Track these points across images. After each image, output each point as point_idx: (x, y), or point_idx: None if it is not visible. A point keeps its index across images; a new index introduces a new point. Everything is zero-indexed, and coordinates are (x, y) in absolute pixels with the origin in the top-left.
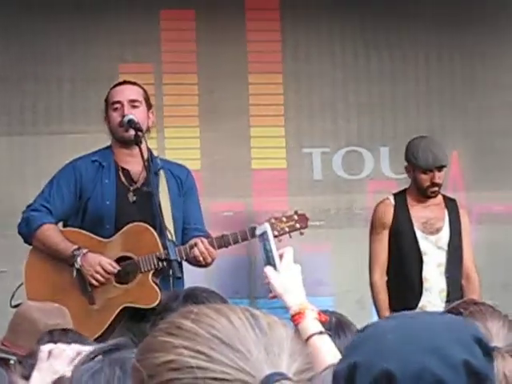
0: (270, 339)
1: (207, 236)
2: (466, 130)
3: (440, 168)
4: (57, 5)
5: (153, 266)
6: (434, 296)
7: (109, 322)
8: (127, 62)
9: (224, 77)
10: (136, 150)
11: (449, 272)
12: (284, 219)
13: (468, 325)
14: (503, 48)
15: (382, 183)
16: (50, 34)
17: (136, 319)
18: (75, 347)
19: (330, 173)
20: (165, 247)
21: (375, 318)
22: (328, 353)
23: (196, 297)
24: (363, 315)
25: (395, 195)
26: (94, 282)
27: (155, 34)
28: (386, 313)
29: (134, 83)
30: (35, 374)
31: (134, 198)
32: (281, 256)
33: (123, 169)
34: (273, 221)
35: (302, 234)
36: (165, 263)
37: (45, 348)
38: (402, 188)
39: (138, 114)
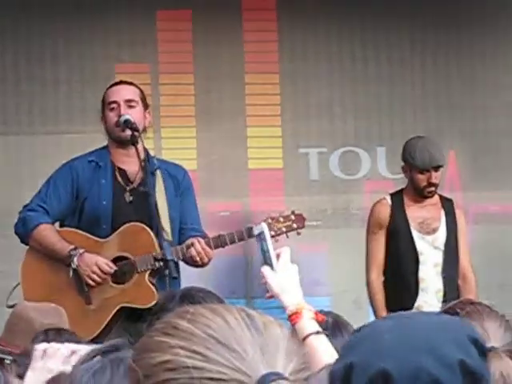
0: (266, 339)
1: (204, 236)
2: (462, 130)
3: (437, 168)
4: (53, 5)
5: (149, 266)
6: (430, 296)
7: (105, 322)
8: (124, 62)
9: (221, 77)
10: (132, 150)
11: (445, 272)
12: (281, 219)
13: (464, 325)
14: (501, 48)
15: (379, 183)
16: (46, 35)
17: (133, 319)
18: (69, 346)
19: (326, 173)
20: (161, 247)
21: (372, 318)
22: (325, 353)
23: (192, 297)
24: (360, 315)
25: (392, 195)
26: (90, 282)
27: (152, 34)
28: (383, 313)
29: (131, 83)
30: (29, 374)
31: (131, 198)
32: (278, 256)
33: (120, 169)
34: (270, 221)
35: (298, 234)
36: (161, 263)
37: (39, 347)
38: (398, 188)
39: (134, 114)
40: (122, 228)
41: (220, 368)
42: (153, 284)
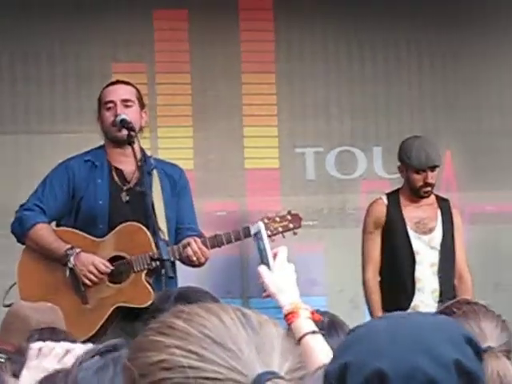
0: (262, 338)
1: (200, 236)
2: (459, 130)
3: (433, 168)
4: (50, 5)
5: (146, 266)
6: (426, 296)
7: (102, 322)
8: (120, 62)
9: (217, 76)
10: (129, 149)
11: (441, 272)
12: (277, 219)
13: (459, 325)
14: (498, 49)
15: (375, 183)
16: (42, 34)
17: (129, 319)
18: (64, 345)
19: (323, 173)
20: (158, 247)
21: (368, 318)
22: (321, 352)
23: (188, 297)
24: (356, 315)
25: (388, 195)
26: (87, 281)
27: (148, 33)
28: (379, 313)
29: (127, 83)
30: (24, 372)
31: (127, 198)
32: (275, 255)
33: (116, 168)
34: (266, 221)
35: (295, 233)
36: (158, 263)
37: (34, 346)
38: (395, 188)
39: (130, 114)
40: (118, 228)
41: (216, 367)
42: (149, 284)
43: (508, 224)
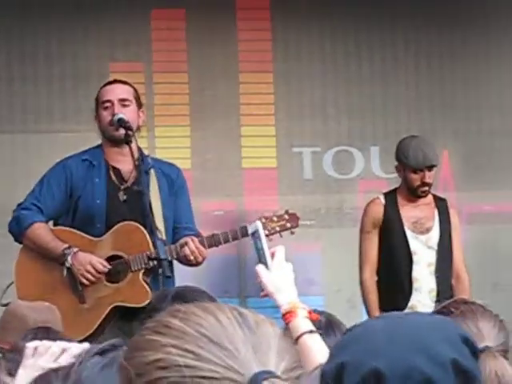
0: (258, 337)
1: (198, 235)
2: (456, 129)
3: (430, 168)
4: (48, 4)
5: (143, 265)
6: (423, 296)
7: (99, 321)
8: (118, 61)
9: (215, 76)
10: (126, 149)
11: (439, 272)
12: (275, 218)
13: (455, 325)
14: (495, 49)
15: (373, 183)
16: (40, 34)
17: (127, 318)
18: (61, 344)
19: (320, 172)
20: (155, 246)
21: (365, 318)
22: (319, 352)
23: (185, 296)
24: (353, 314)
25: (385, 194)
26: (84, 280)
27: (146, 33)
28: (376, 312)
29: (125, 82)
30: (20, 371)
31: (125, 197)
32: (272, 254)
33: (114, 168)
34: (263, 220)
35: (292, 233)
36: (155, 262)
37: (30, 345)
38: (392, 187)
39: (128, 113)
40: (115, 227)
41: (212, 366)
42: (147, 283)
43: (506, 224)
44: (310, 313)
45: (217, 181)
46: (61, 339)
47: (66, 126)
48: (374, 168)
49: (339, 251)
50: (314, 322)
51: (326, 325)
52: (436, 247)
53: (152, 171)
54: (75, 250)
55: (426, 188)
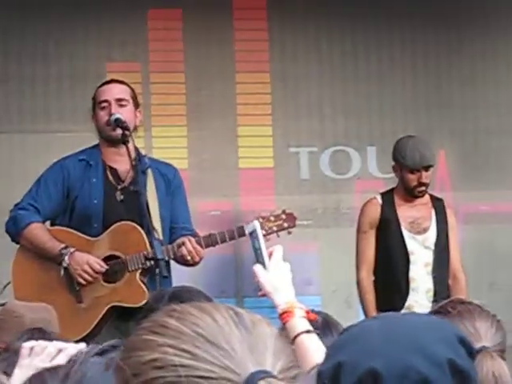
0: (255, 337)
1: (195, 235)
2: (453, 129)
3: (427, 168)
4: (45, 5)
5: (140, 265)
6: (420, 296)
7: (96, 321)
8: (115, 61)
9: (211, 76)
10: (123, 148)
11: (436, 272)
12: (272, 218)
13: (451, 325)
14: (492, 48)
15: (370, 183)
16: (37, 34)
17: (124, 318)
18: (57, 344)
19: (317, 172)
20: (152, 246)
21: (362, 318)
22: (316, 352)
23: (181, 296)
24: (350, 314)
25: (382, 194)
26: (81, 280)
27: (143, 33)
28: (373, 312)
29: (122, 82)
30: (16, 371)
31: (122, 197)
32: (270, 254)
33: (111, 168)
34: (260, 220)
35: (289, 233)
36: (152, 262)
37: (26, 345)
38: (389, 187)
39: (125, 113)
40: (113, 227)
41: (208, 366)
42: (144, 283)
43: (502, 224)
44: (307, 313)
45: (214, 181)
46: (56, 340)
47: (63, 126)
48: (371, 168)
49: (336, 251)
50: (311, 321)
51: (322, 325)
52: (433, 247)
53: (149, 171)
54: (72, 249)
55: (423, 188)
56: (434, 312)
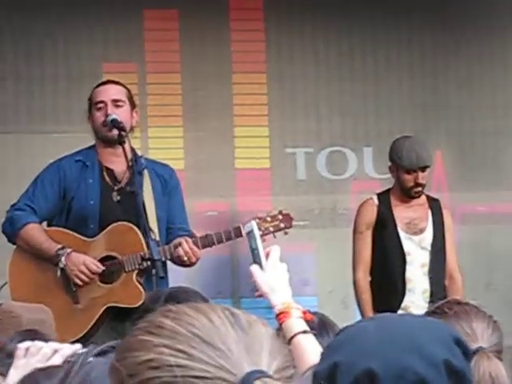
0: (251, 338)
1: (191, 235)
2: (449, 130)
3: (424, 168)
4: (40, 3)
5: (137, 266)
6: (417, 296)
7: (93, 322)
8: (111, 62)
9: (208, 76)
10: (120, 149)
11: (432, 272)
12: (268, 219)
13: (447, 325)
14: (489, 49)
15: (366, 183)
16: (33, 34)
17: (120, 319)
18: (52, 345)
19: (313, 173)
20: (149, 247)
21: (359, 318)
22: (312, 352)
23: (178, 297)
24: (347, 315)
25: (379, 195)
26: (78, 281)
27: (139, 33)
28: (370, 313)
29: (118, 83)
30: (12, 372)
31: (118, 198)
32: (267, 254)
33: (107, 168)
34: (257, 220)
35: (286, 233)
36: (149, 263)
37: (22, 345)
38: (385, 188)
39: (121, 114)
40: (109, 227)
41: (204, 366)
42: (140, 283)
43: (499, 224)
44: (304, 313)
45: (210, 181)
46: (49, 341)
47: (58, 126)
48: (367, 169)
49: (333, 252)
50: (308, 322)
51: (319, 325)
52: (429, 248)
53: (145, 172)
54: (69, 250)
55: (420, 189)
56: (430, 313)
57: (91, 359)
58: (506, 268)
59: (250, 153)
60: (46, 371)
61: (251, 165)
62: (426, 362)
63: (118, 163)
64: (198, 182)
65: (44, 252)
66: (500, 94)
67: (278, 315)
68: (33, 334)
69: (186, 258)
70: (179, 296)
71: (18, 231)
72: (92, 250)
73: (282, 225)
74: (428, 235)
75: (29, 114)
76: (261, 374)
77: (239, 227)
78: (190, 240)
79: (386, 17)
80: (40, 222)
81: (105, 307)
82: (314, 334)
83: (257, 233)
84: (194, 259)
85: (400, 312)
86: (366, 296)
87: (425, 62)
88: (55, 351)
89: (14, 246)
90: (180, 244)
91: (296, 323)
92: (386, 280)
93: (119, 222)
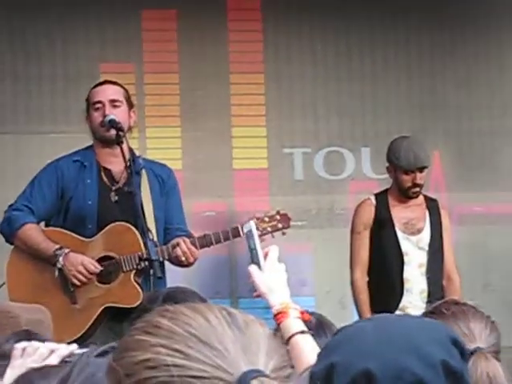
0: (247, 337)
1: (189, 236)
2: (447, 130)
3: (421, 169)
4: (38, 3)
5: (135, 266)
6: (414, 297)
7: (91, 322)
8: (108, 62)
9: (205, 77)
10: (118, 149)
11: (430, 272)
12: (266, 219)
13: (444, 326)
14: (487, 49)
15: (364, 184)
16: (30, 34)
17: (118, 319)
18: (49, 345)
19: (311, 173)
20: (146, 247)
21: (356, 318)
22: (310, 352)
23: (176, 297)
24: (344, 315)
25: (376, 195)
26: (76, 281)
27: (137, 33)
28: (367, 313)
29: (115, 83)
30: (8, 372)
31: (116, 198)
32: (266, 255)
33: (105, 168)
34: (255, 221)
35: (284, 234)
36: (146, 263)
37: (19, 346)
38: (383, 188)
39: (119, 114)
40: (107, 228)
41: (201, 366)
42: (138, 284)
43: (496, 225)
44: (302, 313)
45: (208, 182)
46: (46, 341)
47: (56, 126)
48: (365, 169)
49: (330, 252)
50: (306, 322)
51: (316, 326)
52: (427, 248)
53: (143, 172)
54: (66, 250)
55: (417, 189)
56: (428, 313)
57: (93, 360)
58: (504, 268)
59: (248, 153)
60: (41, 371)
61: (249, 165)
62: (424, 362)
63: (115, 163)
64: (196, 182)
65: (42, 252)
66: (497, 94)
67: (275, 315)
68: (29, 334)
69: (183, 258)
70: (177, 296)
71: (16, 231)
72: (90, 250)
73: (280, 225)
74: (426, 235)
75: (26, 114)
76: (257, 373)
77: (237, 227)
78: (187, 240)
79: (384, 17)
80: (38, 223)
81: (103, 307)
82: (312, 335)
83: (255, 233)
84: (191, 259)
85: (398, 312)
86: (364, 296)
87: (422, 62)
88: (52, 351)
89: (12, 247)
90: (178, 244)
91: (294, 323)
92: (383, 280)
93: (117, 223)
